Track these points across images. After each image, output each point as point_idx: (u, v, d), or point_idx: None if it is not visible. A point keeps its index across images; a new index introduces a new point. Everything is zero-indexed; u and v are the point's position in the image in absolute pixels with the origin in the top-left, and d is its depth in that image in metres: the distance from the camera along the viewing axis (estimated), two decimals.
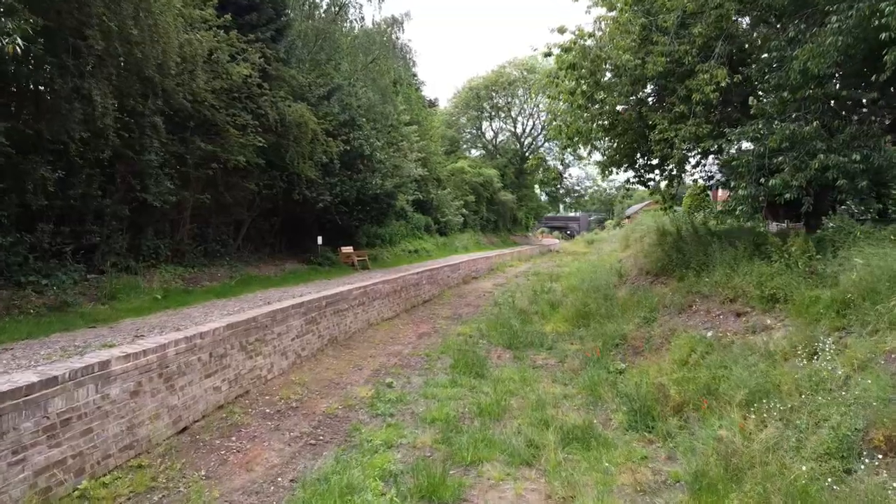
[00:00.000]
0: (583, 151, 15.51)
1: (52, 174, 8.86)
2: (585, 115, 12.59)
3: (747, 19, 12.11)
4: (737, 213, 11.02)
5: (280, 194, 16.09)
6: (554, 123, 13.78)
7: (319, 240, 18.63)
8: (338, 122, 17.57)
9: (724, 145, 11.48)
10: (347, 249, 19.88)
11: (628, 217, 74.13)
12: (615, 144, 14.07)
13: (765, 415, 6.34)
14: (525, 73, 51.38)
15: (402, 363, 11.27)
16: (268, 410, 8.06)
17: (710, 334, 9.77)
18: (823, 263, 8.62)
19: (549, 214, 79.19)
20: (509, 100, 54.45)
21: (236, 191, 14.65)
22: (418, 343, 13.27)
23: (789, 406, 6.08)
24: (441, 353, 12.26)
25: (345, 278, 16.71)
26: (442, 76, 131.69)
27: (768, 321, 9.09)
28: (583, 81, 12.76)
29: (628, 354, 11.14)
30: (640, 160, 15.47)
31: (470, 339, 13.50)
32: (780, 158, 10.34)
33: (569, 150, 14.11)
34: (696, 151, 13.09)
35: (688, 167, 17.20)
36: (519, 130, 57.65)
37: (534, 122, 56.73)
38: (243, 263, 15.49)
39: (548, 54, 12.80)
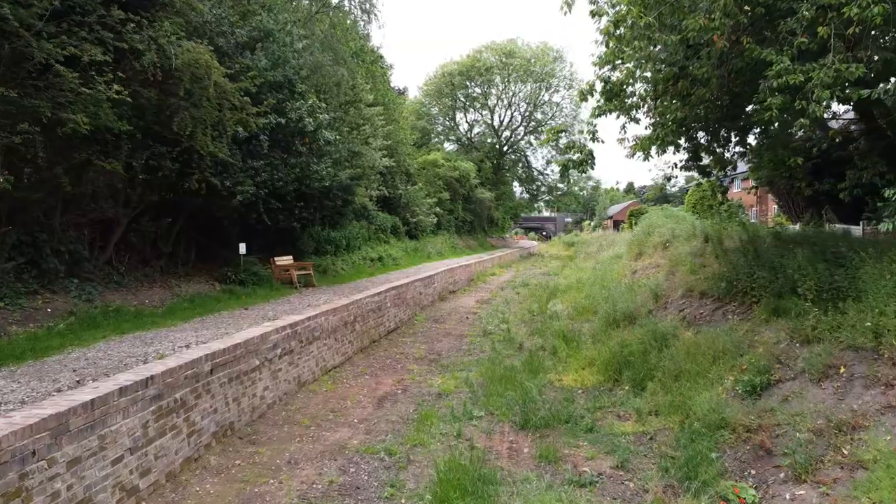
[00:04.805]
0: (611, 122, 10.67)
1: None
2: (651, 45, 7.75)
3: None
4: None
5: (173, 181, 10.81)
6: (599, 54, 8.83)
7: (242, 248, 13.35)
8: (265, 83, 12.36)
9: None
10: (284, 261, 14.63)
11: (610, 218, 70.40)
12: (674, 106, 9.23)
13: None
14: (504, 59, 46.55)
15: (344, 480, 6.20)
16: None
17: None
18: None
19: (523, 215, 74.87)
20: (486, 88, 49.55)
21: (88, 173, 9.36)
22: (376, 419, 8.22)
23: None
24: (413, 443, 7.27)
25: (272, 305, 11.52)
26: (411, 67, 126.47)
27: None
28: None
29: (748, 458, 6.30)
30: (701, 133, 10.81)
31: (458, 409, 8.53)
32: None
33: (607, 114, 9.19)
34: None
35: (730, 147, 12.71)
36: (496, 122, 52.87)
37: (512, 114, 52.07)
38: (111, 287, 10.17)
39: None
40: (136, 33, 9.04)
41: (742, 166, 15.17)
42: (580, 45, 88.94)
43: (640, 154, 10.77)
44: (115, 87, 8.37)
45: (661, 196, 65.53)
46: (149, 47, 9.20)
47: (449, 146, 51.65)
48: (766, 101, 7.13)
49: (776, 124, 8.23)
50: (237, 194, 11.77)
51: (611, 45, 8.15)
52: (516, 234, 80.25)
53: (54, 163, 8.68)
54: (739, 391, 7.37)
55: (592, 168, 9.92)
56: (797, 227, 16.37)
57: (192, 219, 12.80)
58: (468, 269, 26.37)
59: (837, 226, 14.39)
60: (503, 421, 8.16)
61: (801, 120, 7.11)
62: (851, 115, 13.52)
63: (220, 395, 6.88)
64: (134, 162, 9.83)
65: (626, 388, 9.31)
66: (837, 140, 11.78)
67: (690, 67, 8.20)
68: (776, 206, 25.63)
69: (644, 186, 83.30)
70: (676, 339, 9.76)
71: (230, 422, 7.08)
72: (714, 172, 11.48)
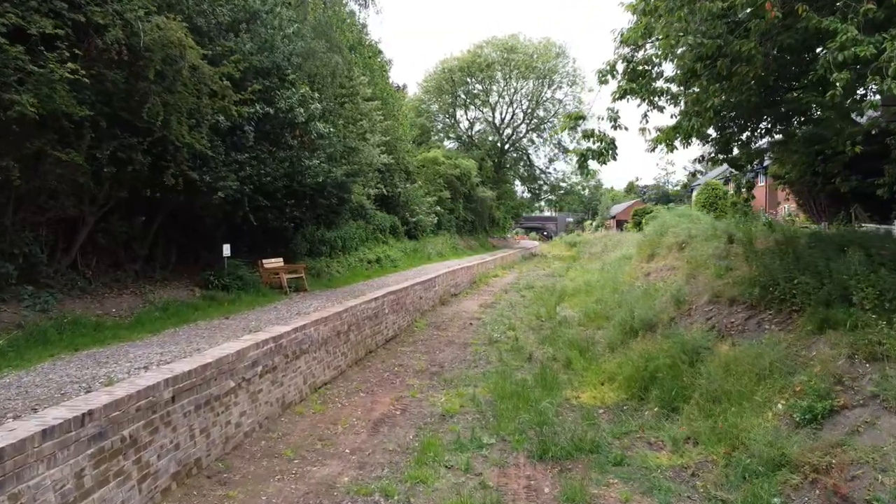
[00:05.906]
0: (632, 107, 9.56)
1: None
2: (692, 15, 6.67)
3: None
4: None
5: (146, 176, 9.70)
6: (621, 30, 7.72)
7: (226, 249, 12.24)
8: (251, 68, 11.26)
9: None
10: (273, 263, 13.53)
11: (613, 217, 69.28)
12: (712, 90, 8.12)
13: None
14: (505, 55, 45.43)
15: None
16: None
17: None
18: None
19: (524, 214, 73.75)
20: (487, 85, 48.43)
21: (43, 165, 8.25)
22: (371, 449, 7.11)
23: None
24: (414, 480, 6.16)
25: (258, 313, 10.43)
26: (410, 57, 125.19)
27: None
28: None
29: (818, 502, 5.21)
30: (732, 125, 9.75)
31: (465, 435, 7.45)
32: None
33: (629, 98, 8.08)
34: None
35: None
36: (497, 120, 51.76)
37: (514, 111, 50.94)
38: (74, 294, 9.06)
39: None
40: (96, 5, 7.94)
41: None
42: (581, 44, 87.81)
43: (661, 147, 9.70)
44: (70, 65, 7.27)
45: (662, 196, 64.31)
46: (113, 22, 8.10)
47: (449, 144, 50.58)
48: (832, 77, 6.03)
49: (833, 107, 7.10)
50: (217, 190, 10.67)
51: (646, 14, 7.05)
52: (517, 233, 79.29)
53: (2, 153, 7.58)
54: (796, 418, 6.27)
55: (615, 159, 8.82)
56: (822, 226, 15.30)
57: (171, 218, 11.69)
58: (470, 270, 25.29)
59: (871, 225, 13.31)
60: (517, 450, 7.08)
61: (872, 98, 6.04)
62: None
63: (184, 427, 5.78)
64: (98, 153, 8.72)
65: (655, 408, 8.24)
66: (873, 133, 10.75)
67: (733, 44, 7.09)
68: (787, 206, 24.58)
69: (645, 186, 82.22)
70: (711, 353, 8.67)
71: (196, 458, 5.97)
72: (745, 166, 10.40)
